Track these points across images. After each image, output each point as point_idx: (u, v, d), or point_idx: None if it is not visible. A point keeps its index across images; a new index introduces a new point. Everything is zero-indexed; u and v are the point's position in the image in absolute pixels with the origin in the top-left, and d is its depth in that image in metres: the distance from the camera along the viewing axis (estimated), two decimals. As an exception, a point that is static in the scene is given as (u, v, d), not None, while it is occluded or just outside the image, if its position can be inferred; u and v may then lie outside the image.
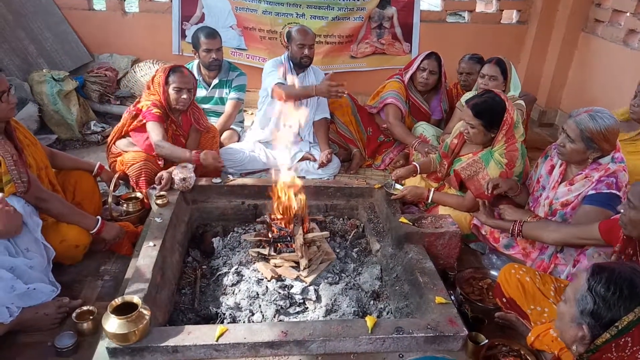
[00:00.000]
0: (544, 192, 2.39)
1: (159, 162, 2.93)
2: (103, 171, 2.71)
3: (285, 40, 3.49)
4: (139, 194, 2.77)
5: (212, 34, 3.40)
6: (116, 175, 2.70)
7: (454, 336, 1.75)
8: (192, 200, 2.73)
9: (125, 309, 1.61)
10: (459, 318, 1.82)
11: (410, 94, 3.62)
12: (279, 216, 2.42)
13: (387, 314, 2.13)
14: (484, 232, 2.51)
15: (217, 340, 1.64)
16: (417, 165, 2.87)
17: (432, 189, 2.73)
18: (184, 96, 2.82)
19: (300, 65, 3.44)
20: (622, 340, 1.03)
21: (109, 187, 2.66)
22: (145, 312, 1.63)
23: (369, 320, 1.75)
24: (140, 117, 2.87)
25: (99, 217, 2.32)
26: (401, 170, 2.83)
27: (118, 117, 3.03)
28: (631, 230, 1.65)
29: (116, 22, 4.43)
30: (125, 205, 2.72)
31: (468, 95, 3.34)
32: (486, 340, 1.74)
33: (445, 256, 2.36)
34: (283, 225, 2.39)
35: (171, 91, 2.81)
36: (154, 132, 2.83)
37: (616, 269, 1.11)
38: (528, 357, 1.83)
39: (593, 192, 2.13)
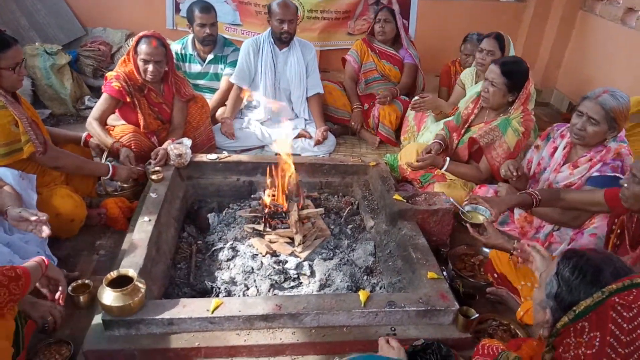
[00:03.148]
0: (544, 174, 2.40)
1: (151, 137, 2.92)
2: (90, 140, 2.69)
3: (267, 14, 3.44)
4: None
5: (207, 8, 3.34)
6: (105, 154, 2.69)
7: (445, 310, 1.78)
8: (188, 176, 2.73)
9: (121, 282, 1.63)
10: (451, 293, 1.85)
11: (373, 44, 3.74)
12: (274, 193, 2.43)
13: (380, 288, 2.16)
14: (477, 209, 2.52)
15: (212, 313, 1.67)
16: (439, 141, 2.84)
17: (448, 158, 2.70)
18: (150, 68, 2.71)
19: (281, 40, 3.40)
20: (580, 324, 1.03)
21: (100, 158, 2.66)
22: (140, 285, 1.65)
23: (362, 295, 1.78)
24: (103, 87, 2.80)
25: (107, 162, 2.52)
26: (425, 152, 2.79)
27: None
28: (632, 203, 1.67)
29: (109, -5, 4.35)
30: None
31: (468, 71, 3.32)
32: (477, 315, 1.78)
33: (438, 233, 2.38)
34: (278, 202, 2.40)
35: (139, 62, 2.73)
36: (98, 105, 2.76)
37: (587, 255, 1.11)
38: (518, 331, 1.88)
39: (597, 174, 2.14)
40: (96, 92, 4.01)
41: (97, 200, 2.56)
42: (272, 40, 3.44)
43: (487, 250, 2.43)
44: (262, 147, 3.50)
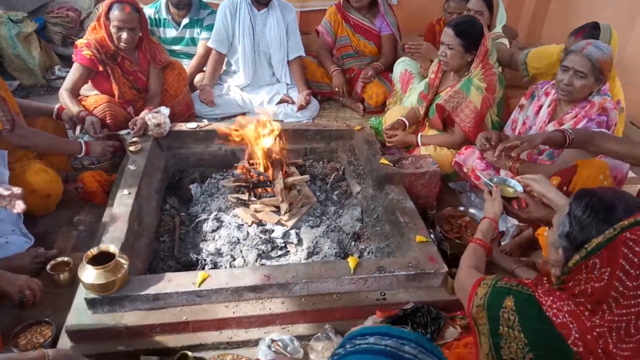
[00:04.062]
0: (530, 133, 2.37)
1: (127, 107, 2.80)
2: (63, 112, 2.57)
3: None
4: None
5: None
6: (78, 127, 2.57)
7: (435, 273, 1.78)
8: (167, 146, 2.64)
9: (103, 259, 1.58)
10: (439, 255, 1.84)
11: (348, 14, 3.52)
12: (258, 161, 2.37)
13: (368, 254, 2.15)
14: (465, 170, 2.50)
15: (199, 286, 1.63)
16: (404, 120, 2.81)
17: (420, 134, 2.70)
18: (124, 36, 2.57)
19: (259, 2, 3.25)
20: (591, 261, 1.04)
21: (74, 132, 2.55)
22: (122, 261, 1.60)
23: (351, 261, 1.76)
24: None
25: (79, 139, 2.42)
26: (391, 127, 2.80)
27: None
28: None
29: (74, -44, 4.08)
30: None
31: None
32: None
33: (425, 196, 2.36)
34: (262, 170, 2.35)
35: (112, 29, 2.58)
36: (69, 75, 2.63)
37: (599, 193, 1.11)
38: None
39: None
40: (66, 61, 3.82)
41: (73, 174, 2.47)
42: (249, 0, 3.28)
43: (472, 211, 2.43)
44: (244, 114, 3.39)
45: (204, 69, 3.43)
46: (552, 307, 1.06)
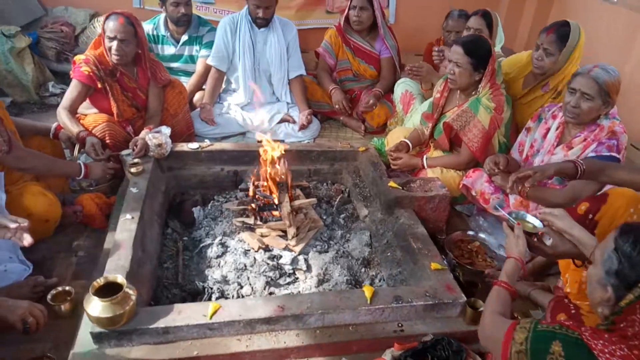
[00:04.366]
0: (538, 156, 2.35)
1: (127, 127, 2.73)
2: (61, 132, 2.48)
3: None
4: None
5: None
6: (76, 147, 2.49)
7: (453, 303, 1.72)
8: (168, 167, 2.57)
9: (109, 290, 1.49)
10: (456, 284, 1.79)
11: (349, 37, 3.50)
12: (263, 183, 2.31)
13: (380, 281, 2.09)
14: (474, 193, 2.48)
15: (210, 319, 1.55)
16: (407, 141, 2.79)
17: (425, 156, 2.68)
18: (114, 46, 2.49)
19: (257, 23, 3.23)
20: None
21: (71, 153, 2.46)
22: (130, 292, 1.52)
23: (367, 291, 1.70)
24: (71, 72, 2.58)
25: (79, 161, 2.31)
26: (395, 149, 2.78)
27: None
28: None
29: (69, -29, 4.03)
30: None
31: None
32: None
33: (435, 220, 2.33)
34: (268, 193, 2.29)
35: (105, 40, 2.52)
36: (67, 92, 2.55)
37: None
38: (518, 316, 1.84)
39: (593, 154, 2.11)
40: (60, 78, 3.75)
41: (71, 196, 2.37)
42: (250, 18, 3.26)
43: (482, 235, 2.40)
44: (244, 133, 3.34)
45: (203, 87, 3.37)
46: (604, 352, 1.01)
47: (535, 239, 1.71)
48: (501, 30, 3.08)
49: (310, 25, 4.44)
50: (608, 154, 2.10)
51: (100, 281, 1.51)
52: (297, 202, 2.28)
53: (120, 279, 1.52)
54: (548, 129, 2.37)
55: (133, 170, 2.28)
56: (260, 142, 2.36)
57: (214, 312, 1.58)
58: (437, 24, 3.83)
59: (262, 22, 3.23)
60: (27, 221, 1.58)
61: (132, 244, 1.83)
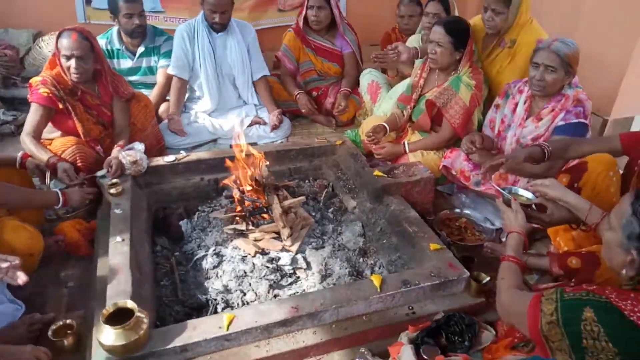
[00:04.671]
0: (510, 130, 2.45)
1: (96, 146, 2.62)
2: (28, 160, 2.34)
3: None
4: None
5: None
6: (48, 175, 2.36)
7: (458, 279, 1.78)
8: (146, 183, 2.49)
9: (117, 316, 1.44)
10: (457, 261, 1.85)
11: (309, 38, 3.51)
12: (247, 187, 2.29)
13: (379, 268, 2.12)
14: (454, 172, 2.56)
15: (227, 330, 1.53)
16: (384, 124, 2.82)
17: (405, 142, 2.73)
18: (73, 64, 2.39)
19: (213, 28, 3.19)
20: None
21: (41, 181, 2.34)
22: (142, 316, 1.47)
23: (375, 279, 1.73)
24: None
25: (55, 189, 2.19)
26: (372, 132, 2.79)
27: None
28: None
29: (3, -10, 3.80)
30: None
31: (413, 38, 3.31)
32: (488, 278, 1.79)
33: (422, 202, 2.38)
34: (254, 197, 2.27)
35: (62, 59, 2.41)
36: (28, 118, 2.41)
37: None
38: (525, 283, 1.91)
39: (563, 122, 2.22)
40: (10, 104, 3.54)
41: (48, 226, 2.25)
42: (207, 24, 3.20)
43: (467, 211, 2.48)
44: (215, 140, 3.29)
45: (167, 97, 3.29)
46: (635, 311, 1.05)
47: (530, 210, 1.80)
48: (457, 13, 3.18)
49: (265, 25, 4.41)
50: (577, 120, 2.22)
51: (109, 308, 1.46)
52: (286, 202, 2.27)
53: (131, 303, 1.47)
54: (516, 104, 2.47)
55: (113, 191, 2.20)
56: (235, 146, 2.34)
57: (230, 323, 1.56)
58: (389, 14, 3.91)
59: (219, 26, 3.18)
60: (18, 258, 1.50)
61: (128, 266, 1.77)
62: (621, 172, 2.03)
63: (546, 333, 1.16)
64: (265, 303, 1.73)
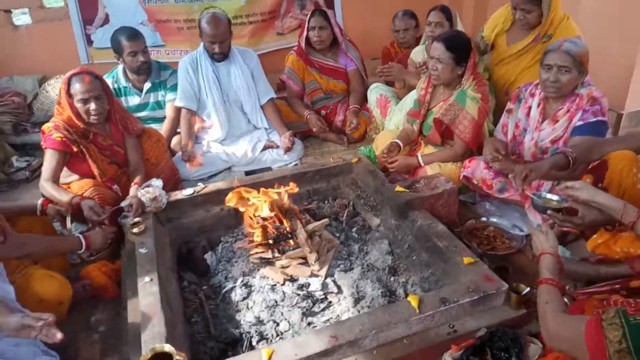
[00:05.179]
0: (527, 135, 2.42)
1: (112, 186, 2.61)
2: (48, 206, 2.32)
3: (198, 28, 3.21)
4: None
5: (135, 34, 3.05)
6: (68, 219, 2.35)
7: (497, 293, 1.73)
8: (167, 219, 2.47)
9: (157, 361, 1.41)
10: (494, 273, 1.81)
11: (312, 58, 3.52)
12: (270, 214, 2.27)
13: (412, 286, 2.08)
14: (475, 182, 2.52)
15: (268, 366, 1.49)
16: (398, 142, 2.81)
17: (419, 154, 2.71)
18: (93, 106, 2.41)
19: (214, 58, 3.21)
20: None
21: (63, 226, 2.33)
22: (181, 359, 1.44)
23: (413, 300, 1.69)
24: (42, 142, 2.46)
25: (76, 234, 2.18)
26: (387, 151, 2.79)
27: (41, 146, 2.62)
28: None
29: (7, 39, 3.85)
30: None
31: (418, 49, 3.31)
32: (527, 289, 1.74)
33: (447, 214, 2.35)
34: (278, 223, 2.24)
35: (77, 104, 2.42)
36: (45, 164, 2.41)
37: None
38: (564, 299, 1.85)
39: (581, 122, 2.20)
40: (22, 150, 3.57)
41: (73, 271, 2.24)
42: (208, 54, 3.22)
43: (494, 219, 2.44)
44: (229, 168, 3.28)
45: (178, 130, 3.30)
46: None
47: (561, 214, 1.76)
48: (460, 24, 3.18)
49: (266, 49, 4.44)
50: (595, 119, 2.19)
51: (147, 355, 1.42)
52: (310, 226, 2.24)
53: (168, 347, 1.44)
54: (529, 107, 2.44)
55: (135, 230, 2.18)
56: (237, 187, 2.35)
57: (269, 358, 1.52)
58: (385, 27, 3.92)
59: (220, 56, 3.21)
60: (52, 315, 1.48)
61: (160, 307, 1.74)
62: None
63: None
64: (302, 334, 1.69)
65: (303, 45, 3.48)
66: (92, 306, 2.10)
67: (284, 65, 3.68)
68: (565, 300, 1.74)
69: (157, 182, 2.46)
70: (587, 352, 1.13)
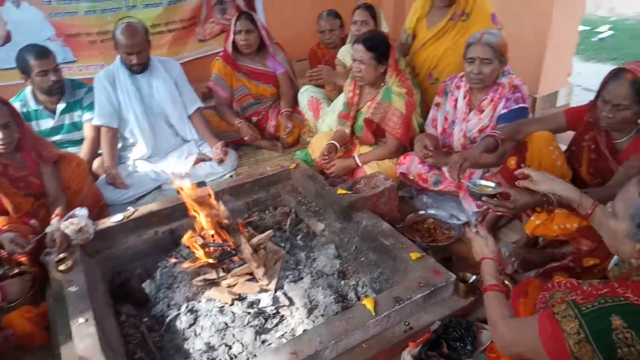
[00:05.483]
0: (455, 126, 2.50)
1: (30, 221, 2.37)
2: None
3: (113, 40, 3.01)
4: (23, 267, 2.21)
5: (44, 52, 2.79)
6: None
7: (446, 285, 1.76)
8: (95, 251, 2.27)
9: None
10: (442, 266, 1.84)
11: (239, 63, 3.45)
12: (210, 232, 2.16)
13: (363, 288, 2.07)
14: (411, 177, 2.57)
15: (227, 395, 1.41)
16: (334, 143, 2.80)
17: (355, 155, 2.72)
18: (0, 136, 2.20)
19: (132, 70, 3.03)
20: None
21: None
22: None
23: (368, 303, 1.67)
24: None
25: None
26: (326, 153, 2.77)
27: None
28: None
29: None
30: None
31: (344, 49, 3.31)
32: (474, 276, 1.79)
33: (389, 211, 2.36)
34: (220, 241, 2.14)
35: None
36: None
37: None
38: (506, 281, 1.93)
39: (505, 110, 2.30)
40: None
41: (-8, 322, 1.99)
42: (125, 66, 3.03)
43: (432, 212, 2.50)
44: (159, 187, 3.11)
45: (99, 151, 3.07)
46: None
47: (495, 200, 1.83)
48: (384, 21, 3.23)
49: (187, 57, 4.26)
50: (517, 106, 2.31)
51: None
52: (254, 240, 2.16)
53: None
54: (456, 100, 2.53)
55: (62, 267, 1.99)
56: (179, 191, 2.22)
57: (227, 387, 1.43)
58: (309, 28, 3.91)
59: (139, 67, 3.02)
60: None
61: (100, 349, 1.59)
62: (564, 147, 2.14)
63: (577, 354, 1.07)
64: (259, 355, 1.61)
65: (230, 50, 3.37)
66: (18, 358, 1.88)
67: (208, 73, 3.55)
68: (507, 283, 1.82)
69: (82, 212, 2.26)
70: (542, 348, 1.13)
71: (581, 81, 4.35)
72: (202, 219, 2.14)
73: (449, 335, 1.65)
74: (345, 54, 3.26)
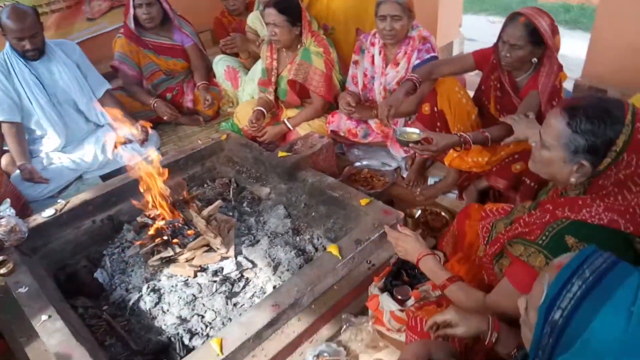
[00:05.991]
0: (375, 81, 2.67)
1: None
2: None
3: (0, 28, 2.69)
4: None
5: None
6: None
7: (397, 221, 1.95)
8: (32, 249, 2.13)
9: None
10: (388, 206, 2.03)
11: (144, 38, 3.30)
12: (156, 211, 2.14)
13: (318, 240, 2.20)
14: (342, 134, 2.72)
15: (222, 354, 1.47)
16: (261, 109, 2.82)
17: (284, 119, 2.78)
18: None
19: (26, 56, 2.76)
20: (620, 157, 1.13)
21: None
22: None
23: (333, 249, 1.81)
24: None
25: None
26: (255, 120, 2.79)
27: None
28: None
29: None
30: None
31: (253, 15, 3.29)
32: (420, 210, 2.00)
33: (328, 167, 2.50)
34: (171, 217, 2.13)
35: None
36: None
37: (585, 104, 1.17)
38: (444, 213, 2.18)
39: (418, 61, 2.50)
40: None
41: None
42: (19, 55, 2.75)
43: (366, 162, 2.69)
44: (80, 177, 2.92)
45: (5, 148, 2.79)
46: (593, 217, 1.15)
47: (420, 145, 2.04)
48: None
49: (78, 38, 3.90)
50: (429, 55, 2.53)
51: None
52: (205, 212, 2.18)
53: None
54: (373, 56, 2.69)
55: (3, 271, 1.85)
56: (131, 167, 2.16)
57: (221, 346, 1.50)
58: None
59: (34, 53, 2.74)
60: None
61: (75, 340, 1.55)
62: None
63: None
64: (245, 313, 1.68)
65: (131, 25, 3.18)
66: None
67: (106, 53, 3.35)
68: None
69: (9, 211, 2.09)
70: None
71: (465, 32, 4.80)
72: (149, 198, 2.10)
73: (407, 265, 1.84)
74: (255, 20, 3.26)
